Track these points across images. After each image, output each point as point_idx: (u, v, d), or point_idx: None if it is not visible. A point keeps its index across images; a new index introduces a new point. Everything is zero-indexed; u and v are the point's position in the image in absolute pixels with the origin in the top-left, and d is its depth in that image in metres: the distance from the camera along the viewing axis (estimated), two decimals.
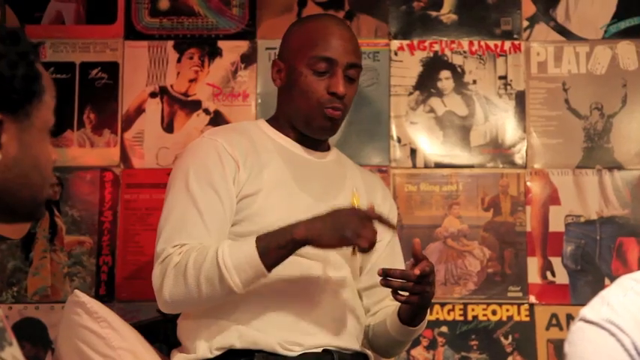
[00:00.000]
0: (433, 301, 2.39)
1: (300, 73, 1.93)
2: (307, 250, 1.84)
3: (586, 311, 1.24)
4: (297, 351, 1.81)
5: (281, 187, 1.89)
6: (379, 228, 1.76)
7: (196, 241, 1.79)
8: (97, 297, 2.33)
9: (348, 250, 1.90)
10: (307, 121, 1.93)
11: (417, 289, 1.76)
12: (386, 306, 1.97)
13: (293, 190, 1.91)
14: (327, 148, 2.04)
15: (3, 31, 1.12)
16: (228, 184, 1.85)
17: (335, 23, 2.00)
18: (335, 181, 1.99)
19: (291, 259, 1.81)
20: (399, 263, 2.04)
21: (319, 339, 1.83)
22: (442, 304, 2.46)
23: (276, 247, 1.73)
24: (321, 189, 1.95)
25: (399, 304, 1.86)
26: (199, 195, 1.83)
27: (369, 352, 1.94)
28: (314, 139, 1.98)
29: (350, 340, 1.89)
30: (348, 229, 1.70)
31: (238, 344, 1.79)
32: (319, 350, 1.83)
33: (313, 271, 1.86)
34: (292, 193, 1.90)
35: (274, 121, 2.00)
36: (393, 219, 2.07)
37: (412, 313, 1.88)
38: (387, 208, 2.04)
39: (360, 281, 2.00)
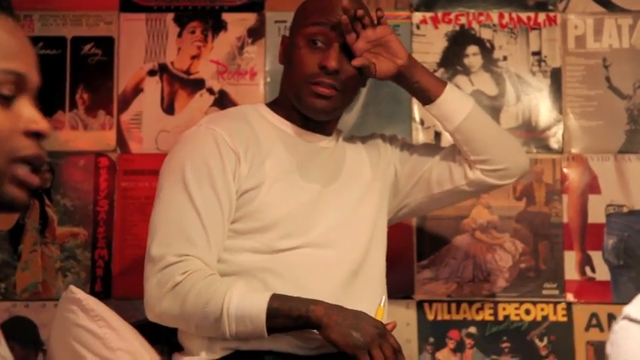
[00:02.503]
0: (460, 298, 2.45)
1: (296, 46, 1.96)
2: (313, 239, 1.87)
3: (630, 309, 1.26)
4: (312, 347, 1.83)
5: (284, 179, 1.92)
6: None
7: (198, 251, 1.82)
8: (93, 294, 2.33)
9: (357, 235, 1.96)
10: (298, 100, 1.96)
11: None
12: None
13: (296, 181, 1.93)
14: (331, 132, 2.05)
15: None
16: (228, 181, 1.87)
17: None
18: (335, 168, 2.02)
19: (299, 252, 1.86)
20: (420, 150, 2.13)
21: None
22: (470, 303, 2.48)
23: (286, 314, 1.76)
24: (325, 177, 1.98)
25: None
26: (198, 194, 1.85)
27: None
28: (317, 122, 2.00)
29: None
30: (362, 338, 1.75)
31: (245, 346, 1.82)
32: (335, 350, 1.85)
33: (323, 261, 1.88)
34: (295, 184, 1.93)
35: (276, 105, 2.03)
36: (396, 140, 2.15)
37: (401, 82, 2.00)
38: (387, 152, 2.11)
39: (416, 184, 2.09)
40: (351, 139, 2.12)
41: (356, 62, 1.91)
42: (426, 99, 2.01)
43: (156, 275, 1.82)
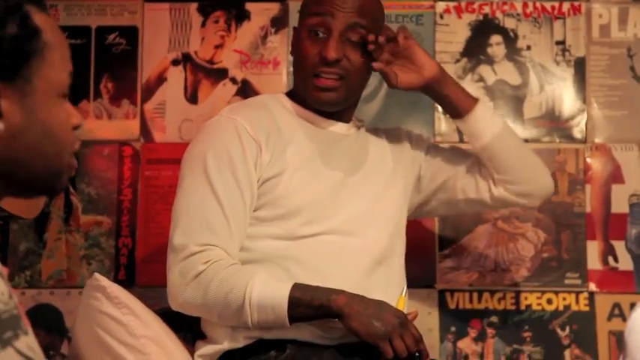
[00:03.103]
0: (482, 288, 2.45)
1: (300, 38, 1.96)
2: (336, 227, 1.88)
3: None
4: (334, 337, 1.85)
5: (305, 166, 1.93)
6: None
7: (220, 240, 1.84)
8: (116, 282, 2.35)
9: (381, 227, 1.96)
10: (305, 94, 1.96)
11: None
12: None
13: (318, 168, 1.94)
14: (349, 118, 2.05)
15: None
16: (249, 170, 1.88)
17: None
18: (357, 157, 2.02)
19: (321, 239, 1.87)
20: (448, 153, 2.12)
21: None
22: (492, 292, 2.48)
23: (308, 303, 1.77)
24: (347, 165, 1.98)
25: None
26: (219, 184, 1.86)
27: None
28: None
29: None
30: (383, 328, 1.77)
31: (268, 335, 1.83)
32: (357, 340, 1.86)
33: (345, 248, 1.90)
34: (317, 171, 1.94)
35: (293, 94, 2.03)
36: (422, 140, 2.14)
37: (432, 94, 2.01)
38: (412, 149, 2.10)
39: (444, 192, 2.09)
40: (374, 130, 2.12)
41: (376, 65, 1.92)
42: (455, 114, 2.01)
43: (178, 265, 1.84)
